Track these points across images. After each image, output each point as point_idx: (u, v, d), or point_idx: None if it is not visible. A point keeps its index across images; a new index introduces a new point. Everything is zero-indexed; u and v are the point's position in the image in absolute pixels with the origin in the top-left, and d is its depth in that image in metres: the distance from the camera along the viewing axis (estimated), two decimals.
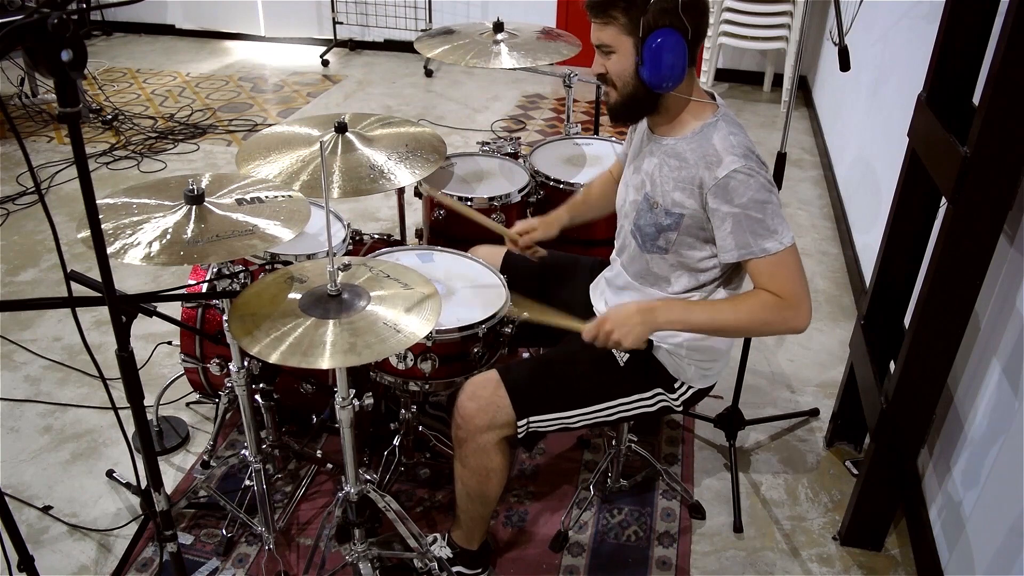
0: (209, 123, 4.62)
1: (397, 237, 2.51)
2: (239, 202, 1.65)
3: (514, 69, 2.47)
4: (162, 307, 1.59)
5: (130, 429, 1.99)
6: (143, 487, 1.58)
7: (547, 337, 1.99)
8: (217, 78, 5.41)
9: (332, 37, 5.93)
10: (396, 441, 2.15)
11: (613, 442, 2.13)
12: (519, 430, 1.71)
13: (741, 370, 2.26)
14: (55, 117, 4.57)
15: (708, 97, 1.64)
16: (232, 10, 6.12)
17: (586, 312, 1.89)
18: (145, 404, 1.36)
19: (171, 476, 2.23)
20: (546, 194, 2.40)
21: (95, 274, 1.27)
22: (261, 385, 2.02)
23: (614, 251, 1.86)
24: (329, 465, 2.21)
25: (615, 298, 1.81)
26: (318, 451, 2.21)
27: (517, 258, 2.04)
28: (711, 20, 4.83)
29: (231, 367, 1.83)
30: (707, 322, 1.58)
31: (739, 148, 1.53)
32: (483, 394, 1.70)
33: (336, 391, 1.59)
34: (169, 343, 2.65)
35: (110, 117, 4.55)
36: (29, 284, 3.12)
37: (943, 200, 1.74)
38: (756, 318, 1.54)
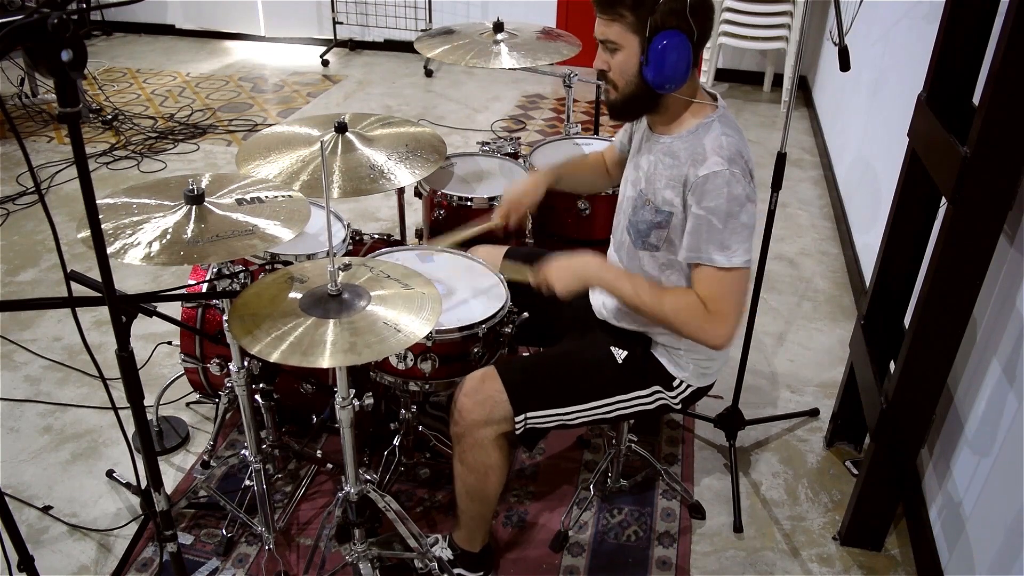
0: (209, 123, 4.62)
1: (397, 237, 2.51)
2: (239, 202, 1.65)
3: (514, 69, 2.47)
4: (162, 307, 1.59)
5: (130, 429, 1.99)
6: (143, 487, 1.58)
7: (547, 337, 1.99)
8: (217, 78, 5.41)
9: (332, 37, 5.93)
10: (396, 441, 2.15)
11: (613, 442, 2.13)
12: (517, 426, 1.71)
13: (741, 370, 2.26)
14: (55, 117, 4.57)
15: (709, 98, 1.64)
16: (232, 10, 6.12)
17: (585, 310, 1.89)
18: (145, 404, 1.36)
19: (171, 476, 2.23)
20: (546, 194, 2.39)
21: (95, 274, 1.27)
22: (261, 385, 2.02)
23: (611, 248, 1.86)
24: (329, 465, 2.21)
25: (612, 297, 1.81)
26: (318, 451, 2.21)
27: (517, 258, 2.04)
28: None
29: (231, 367, 1.83)
30: (631, 297, 1.63)
31: (727, 151, 1.53)
32: (480, 389, 1.70)
33: (336, 391, 1.59)
34: (169, 343, 2.64)
35: (110, 117, 4.55)
36: (29, 284, 3.12)
37: (943, 200, 1.74)
38: (676, 316, 1.58)
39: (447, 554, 1.88)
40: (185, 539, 2.02)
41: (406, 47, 5.85)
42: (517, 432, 1.72)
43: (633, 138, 1.82)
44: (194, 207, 1.58)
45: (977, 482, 1.77)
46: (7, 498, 1.45)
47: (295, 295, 1.54)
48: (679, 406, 1.81)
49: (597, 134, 2.85)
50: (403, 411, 2.10)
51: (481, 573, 1.91)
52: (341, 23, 5.90)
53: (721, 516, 2.15)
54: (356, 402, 1.61)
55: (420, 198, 2.41)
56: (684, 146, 1.59)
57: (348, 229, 2.19)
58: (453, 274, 2.00)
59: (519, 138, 3.82)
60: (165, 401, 2.44)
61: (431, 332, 1.56)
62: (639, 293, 1.62)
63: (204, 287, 2.11)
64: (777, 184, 2.05)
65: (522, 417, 1.70)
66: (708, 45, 1.58)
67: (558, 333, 1.92)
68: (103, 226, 1.36)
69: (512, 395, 1.69)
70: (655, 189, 1.62)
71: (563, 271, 1.66)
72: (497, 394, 1.69)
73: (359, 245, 2.30)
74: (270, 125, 4.01)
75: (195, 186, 1.59)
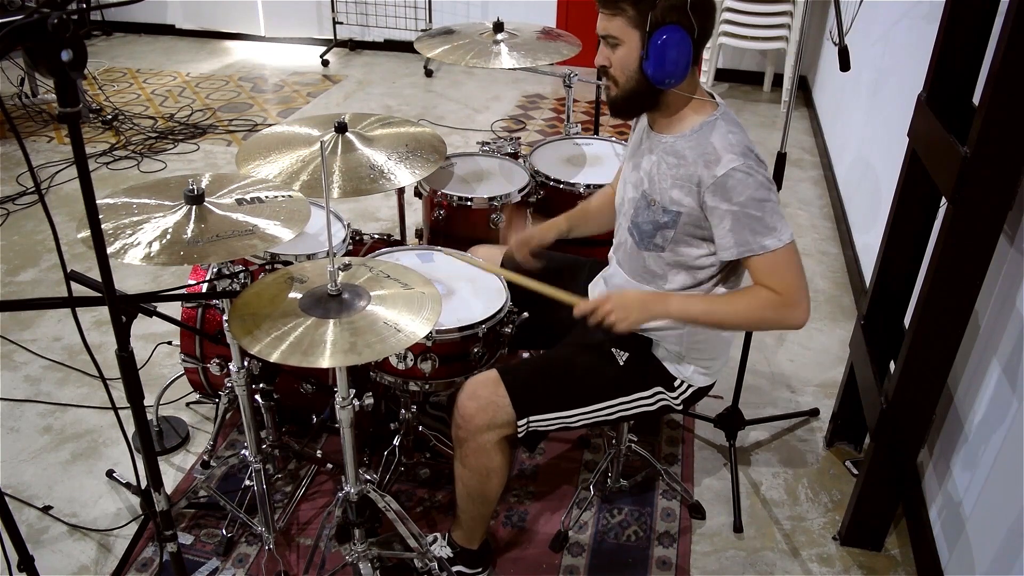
0: (209, 123, 4.62)
1: (397, 237, 2.51)
2: (239, 202, 1.65)
3: (514, 69, 2.47)
4: (162, 307, 1.59)
5: (130, 429, 1.99)
6: (143, 487, 1.58)
7: (547, 338, 1.99)
8: (217, 78, 5.41)
9: (332, 37, 5.93)
10: (396, 441, 2.15)
11: (613, 442, 2.13)
12: (519, 430, 1.71)
13: (741, 370, 2.26)
14: (55, 117, 4.58)
15: (709, 96, 1.64)
16: (232, 10, 6.12)
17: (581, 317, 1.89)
18: (145, 404, 1.36)
19: (171, 476, 2.23)
20: (546, 194, 2.40)
21: (95, 274, 1.27)
22: (261, 385, 2.02)
23: (611, 249, 1.86)
24: (329, 465, 2.21)
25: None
26: (318, 451, 2.21)
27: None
28: None
29: (231, 367, 1.83)
30: (705, 315, 1.60)
31: (738, 146, 1.53)
32: (483, 393, 1.70)
33: (336, 391, 1.59)
34: (169, 343, 2.64)
35: (110, 117, 4.55)
36: (29, 284, 3.12)
37: (943, 200, 1.74)
38: (754, 314, 1.57)
39: (446, 552, 1.89)
40: (185, 539, 2.02)
41: (406, 47, 5.85)
42: (519, 435, 1.72)
43: (631, 138, 1.82)
44: (194, 207, 1.58)
45: (977, 482, 1.77)
46: (7, 498, 1.45)
47: (295, 295, 1.54)
48: (680, 406, 1.81)
49: (597, 134, 2.85)
50: (403, 411, 2.10)
51: (480, 569, 1.91)
52: (341, 23, 5.90)
53: (721, 516, 2.15)
54: (356, 402, 1.61)
55: (420, 198, 2.41)
56: (689, 145, 1.59)
57: (348, 229, 2.19)
58: (453, 274, 2.00)
59: (519, 138, 3.83)
60: (165, 401, 2.44)
61: (431, 332, 1.56)
62: (713, 311, 1.60)
63: (204, 287, 2.11)
64: (777, 184, 2.04)
65: (524, 421, 1.70)
66: (708, 45, 1.58)
67: (557, 334, 1.92)
68: (103, 226, 1.36)
69: (515, 399, 1.69)
70: (661, 189, 1.62)
71: (627, 310, 1.59)
72: (500, 398, 1.69)
73: (359, 245, 2.30)
74: (270, 125, 4.01)
75: (195, 186, 1.59)
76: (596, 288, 1.91)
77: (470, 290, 1.95)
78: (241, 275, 1.78)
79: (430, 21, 5.75)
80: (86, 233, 1.23)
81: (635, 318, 1.60)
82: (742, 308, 1.57)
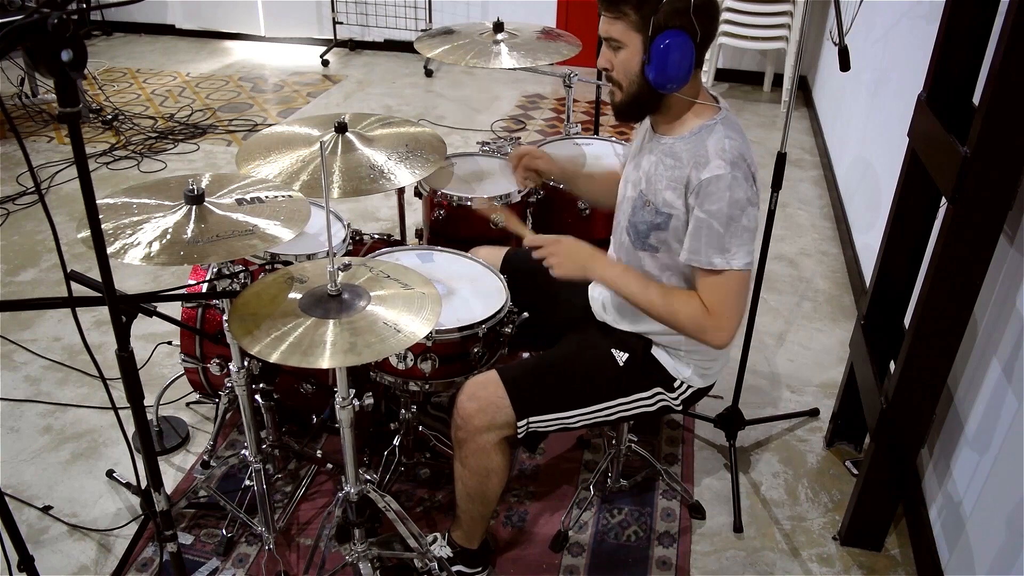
0: (209, 123, 4.62)
1: (397, 237, 2.51)
2: (239, 202, 1.65)
3: (514, 69, 2.47)
4: (162, 307, 1.59)
5: (130, 429, 1.99)
6: (143, 487, 1.58)
7: (547, 338, 1.99)
8: (217, 78, 5.41)
9: (332, 37, 5.93)
10: (396, 441, 2.15)
11: (613, 442, 2.13)
12: (519, 430, 1.71)
13: (741, 370, 2.26)
14: (55, 117, 4.57)
15: (712, 100, 1.64)
16: (232, 10, 6.12)
17: (585, 311, 1.89)
18: (145, 404, 1.36)
19: (171, 476, 2.23)
20: (546, 194, 2.40)
21: (95, 274, 1.27)
22: (261, 385, 2.02)
23: (611, 247, 1.86)
24: (329, 465, 2.21)
25: (611, 294, 1.81)
26: (318, 451, 2.21)
27: (517, 258, 2.04)
28: None
29: (231, 367, 1.83)
30: (636, 295, 1.65)
31: (730, 154, 1.53)
32: (483, 394, 1.70)
33: (336, 391, 1.59)
34: (169, 343, 2.64)
35: (110, 117, 4.55)
36: (29, 284, 3.12)
37: (943, 200, 1.74)
38: (678, 317, 1.60)
39: (446, 552, 1.88)
40: (185, 539, 2.02)
41: (406, 47, 5.85)
42: (519, 436, 1.72)
43: (634, 137, 1.82)
44: (194, 207, 1.58)
45: (977, 482, 1.77)
46: (7, 498, 1.45)
47: (295, 295, 1.54)
48: (680, 407, 1.81)
49: (597, 134, 2.85)
50: (403, 411, 2.10)
51: (479, 568, 1.91)
52: (341, 23, 5.90)
53: (721, 516, 2.15)
54: (356, 402, 1.61)
55: (420, 198, 2.41)
56: (686, 147, 1.59)
57: (348, 229, 2.19)
58: (453, 274, 2.00)
59: (519, 138, 3.83)
60: (165, 401, 2.44)
61: (431, 332, 1.56)
62: (644, 295, 1.63)
63: (204, 287, 2.11)
64: (777, 184, 2.05)
65: (524, 421, 1.70)
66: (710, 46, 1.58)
67: (558, 334, 1.92)
68: (103, 226, 1.36)
69: (514, 400, 1.69)
70: (656, 190, 1.62)
71: (571, 261, 1.68)
72: (499, 399, 1.69)
73: (359, 245, 2.30)
74: (270, 125, 4.01)
75: (195, 186, 1.59)
76: (596, 289, 1.91)
77: (470, 290, 1.95)
78: (241, 275, 1.78)
79: (430, 21, 5.75)
80: (86, 233, 1.23)
81: (570, 270, 1.67)
82: (671, 305, 1.60)
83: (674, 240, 1.62)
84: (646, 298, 1.63)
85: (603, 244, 1.94)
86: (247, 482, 2.07)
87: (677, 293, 1.63)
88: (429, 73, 5.56)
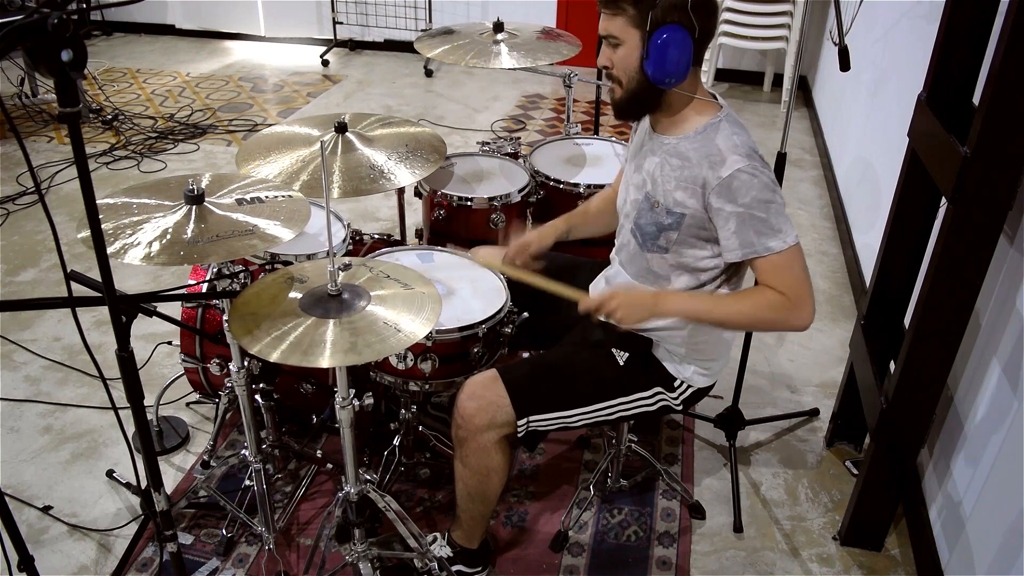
0: (209, 123, 4.62)
1: (397, 237, 2.51)
2: (239, 202, 1.65)
3: (514, 69, 2.47)
4: (162, 307, 1.59)
5: (130, 429, 1.99)
6: (143, 487, 1.58)
7: (547, 338, 1.99)
8: (217, 78, 5.41)
9: (332, 37, 5.93)
10: (396, 441, 2.15)
11: (613, 442, 2.13)
12: (519, 429, 1.71)
13: (741, 370, 2.26)
14: (55, 117, 4.57)
15: (711, 98, 1.64)
16: (232, 10, 6.12)
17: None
18: (145, 404, 1.36)
19: (171, 476, 2.23)
20: (546, 194, 2.40)
21: (95, 274, 1.27)
22: (261, 385, 2.02)
23: (614, 250, 1.86)
24: (329, 465, 2.21)
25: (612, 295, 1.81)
26: (318, 451, 2.21)
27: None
28: None
29: (231, 367, 1.83)
30: (708, 313, 1.60)
31: (743, 148, 1.53)
32: (483, 394, 1.70)
33: (336, 391, 1.59)
34: (169, 343, 2.64)
35: (110, 117, 4.55)
36: (29, 284, 3.12)
37: (943, 200, 1.74)
38: (759, 314, 1.56)
39: (445, 552, 1.88)
40: (185, 539, 2.02)
41: (406, 47, 5.84)
42: (519, 435, 1.72)
43: (632, 139, 1.82)
44: (194, 207, 1.58)
45: (977, 482, 1.77)
46: (7, 498, 1.45)
47: (295, 295, 1.54)
48: (680, 407, 1.81)
49: (597, 134, 2.85)
50: (403, 411, 2.10)
51: (479, 568, 1.91)
52: (341, 23, 5.90)
53: (721, 516, 2.15)
54: (356, 402, 1.61)
55: (420, 198, 2.41)
56: (693, 147, 1.59)
57: (348, 229, 2.19)
58: (453, 274, 2.00)
59: (519, 138, 3.82)
60: (165, 401, 2.44)
61: (431, 332, 1.56)
62: (718, 310, 1.60)
63: (204, 287, 2.11)
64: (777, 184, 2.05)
65: (524, 421, 1.70)
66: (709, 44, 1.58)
67: (558, 334, 1.92)
68: (103, 226, 1.36)
69: (515, 399, 1.69)
70: (665, 191, 1.62)
71: (635, 306, 1.58)
72: (500, 398, 1.69)
73: (359, 245, 2.30)
74: (270, 125, 4.01)
75: (195, 186, 1.59)
76: (597, 288, 1.91)
77: (470, 290, 1.95)
78: (241, 275, 1.78)
79: (430, 21, 5.75)
80: (86, 233, 1.23)
81: (640, 315, 1.59)
82: (747, 308, 1.57)
83: (690, 238, 1.62)
84: (722, 312, 1.60)
85: (603, 244, 1.95)
86: (247, 482, 2.07)
87: (745, 295, 1.60)
88: (429, 73, 5.56)
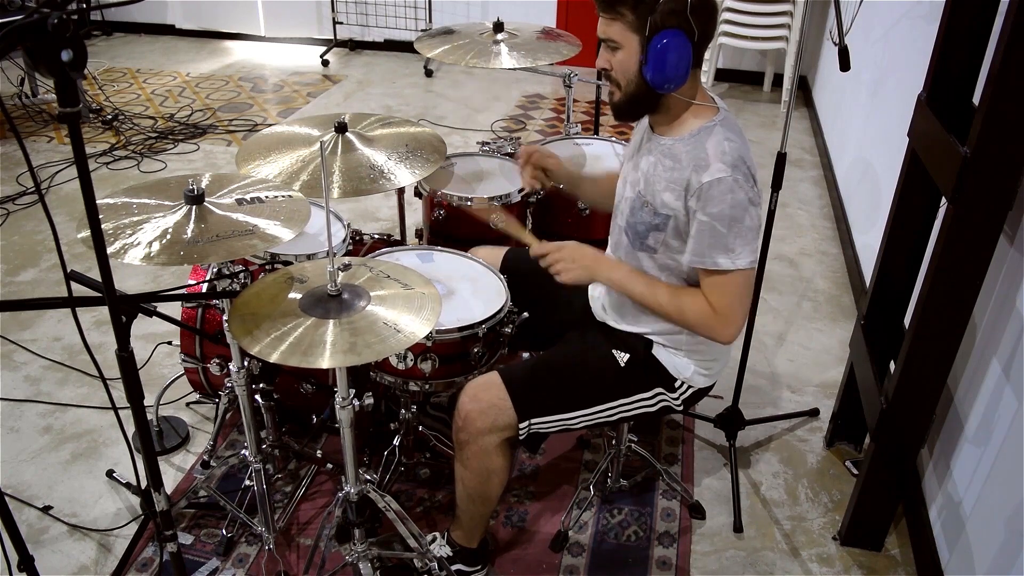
0: (209, 123, 4.62)
1: (397, 237, 2.51)
2: (239, 202, 1.65)
3: (514, 69, 2.47)
4: (162, 307, 1.59)
5: (130, 429, 1.99)
6: (143, 487, 1.58)
7: (547, 338, 1.99)
8: (217, 78, 5.41)
9: (332, 37, 5.93)
10: (396, 441, 2.15)
11: (613, 442, 2.13)
12: (520, 432, 1.71)
13: (741, 370, 2.26)
14: (55, 117, 4.58)
15: (711, 100, 1.64)
16: (232, 10, 6.12)
17: (585, 312, 1.89)
18: (145, 404, 1.36)
19: (171, 476, 2.23)
20: (546, 194, 2.40)
21: (95, 274, 1.27)
22: (261, 385, 2.02)
23: (608, 248, 1.86)
24: (329, 465, 2.21)
25: (610, 295, 1.81)
26: (318, 451, 2.21)
27: (517, 258, 2.04)
28: None
29: (231, 367, 1.83)
30: (643, 296, 1.67)
31: (730, 156, 1.53)
32: (485, 396, 1.70)
33: (336, 391, 1.59)
34: (169, 343, 2.65)
35: (110, 117, 4.55)
36: (29, 284, 3.12)
37: (943, 200, 1.74)
38: (685, 317, 1.63)
39: (445, 551, 1.89)
40: (185, 539, 2.02)
41: (406, 47, 5.85)
42: (520, 437, 1.72)
43: (632, 137, 1.82)
44: (194, 207, 1.58)
45: (977, 482, 1.77)
46: (7, 498, 1.45)
47: (295, 295, 1.54)
48: (680, 407, 1.81)
49: (597, 134, 2.85)
50: (403, 411, 2.10)
51: (479, 567, 1.91)
52: (341, 23, 5.90)
53: (721, 516, 2.15)
54: (356, 402, 1.61)
55: (420, 198, 2.41)
56: (686, 149, 1.59)
57: (348, 229, 2.19)
58: (453, 274, 2.00)
59: (519, 138, 3.83)
60: (165, 401, 2.44)
61: (431, 332, 1.56)
62: (650, 295, 1.65)
63: (204, 287, 2.11)
64: (777, 184, 2.05)
65: (526, 423, 1.70)
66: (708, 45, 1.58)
67: (558, 334, 1.92)
68: (103, 226, 1.36)
69: (516, 402, 1.69)
70: (654, 191, 1.62)
71: (576, 265, 1.69)
72: (501, 401, 1.69)
73: (359, 245, 2.30)
74: (270, 125, 4.01)
75: (195, 186, 1.59)
76: (597, 288, 1.91)
77: (470, 290, 1.95)
78: (241, 275, 1.78)
79: (430, 21, 5.75)
80: (86, 233, 1.23)
81: (578, 275, 1.69)
82: (677, 305, 1.63)
83: (673, 240, 1.63)
84: (654, 299, 1.65)
85: (602, 244, 1.95)
86: (247, 482, 2.07)
87: (684, 292, 1.64)
88: (429, 73, 5.56)
